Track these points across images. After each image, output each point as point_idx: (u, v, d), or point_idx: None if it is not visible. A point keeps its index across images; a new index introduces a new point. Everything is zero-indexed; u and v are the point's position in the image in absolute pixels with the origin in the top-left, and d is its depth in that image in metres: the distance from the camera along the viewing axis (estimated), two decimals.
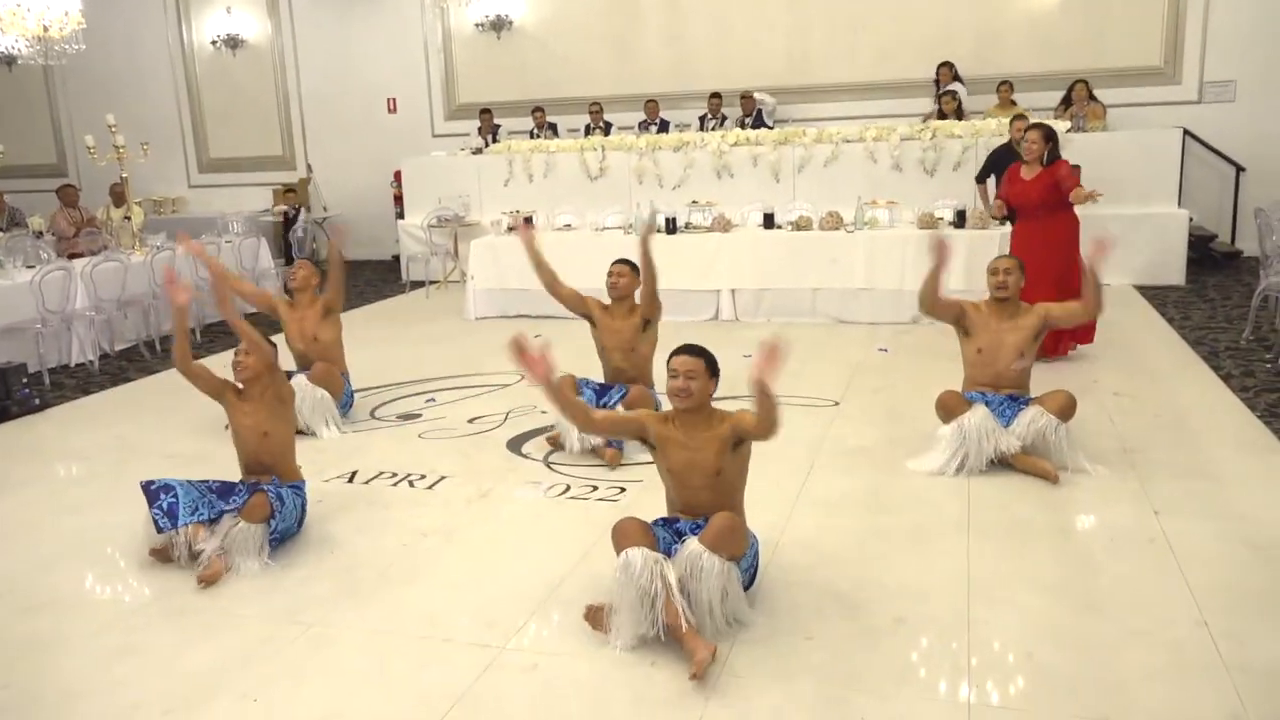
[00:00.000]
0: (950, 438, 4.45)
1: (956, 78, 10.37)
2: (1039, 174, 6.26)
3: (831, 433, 5.18)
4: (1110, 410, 5.30)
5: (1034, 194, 6.23)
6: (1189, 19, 10.19)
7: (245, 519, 3.83)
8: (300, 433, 5.31)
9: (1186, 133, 9.43)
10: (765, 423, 3.13)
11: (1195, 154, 10.01)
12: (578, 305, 5.21)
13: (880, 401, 5.71)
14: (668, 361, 3.28)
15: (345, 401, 5.71)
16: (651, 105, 11.19)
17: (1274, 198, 8.06)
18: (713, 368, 3.33)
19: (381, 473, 4.87)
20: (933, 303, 4.52)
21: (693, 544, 3.16)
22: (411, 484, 4.70)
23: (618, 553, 3.14)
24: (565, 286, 5.15)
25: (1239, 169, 10.05)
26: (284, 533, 3.98)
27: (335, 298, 5.75)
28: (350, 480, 4.79)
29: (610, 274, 5.15)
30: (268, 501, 3.88)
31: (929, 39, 10.88)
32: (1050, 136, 6.29)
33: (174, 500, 3.84)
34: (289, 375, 5.56)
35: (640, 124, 11.19)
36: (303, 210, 11.69)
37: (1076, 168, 6.29)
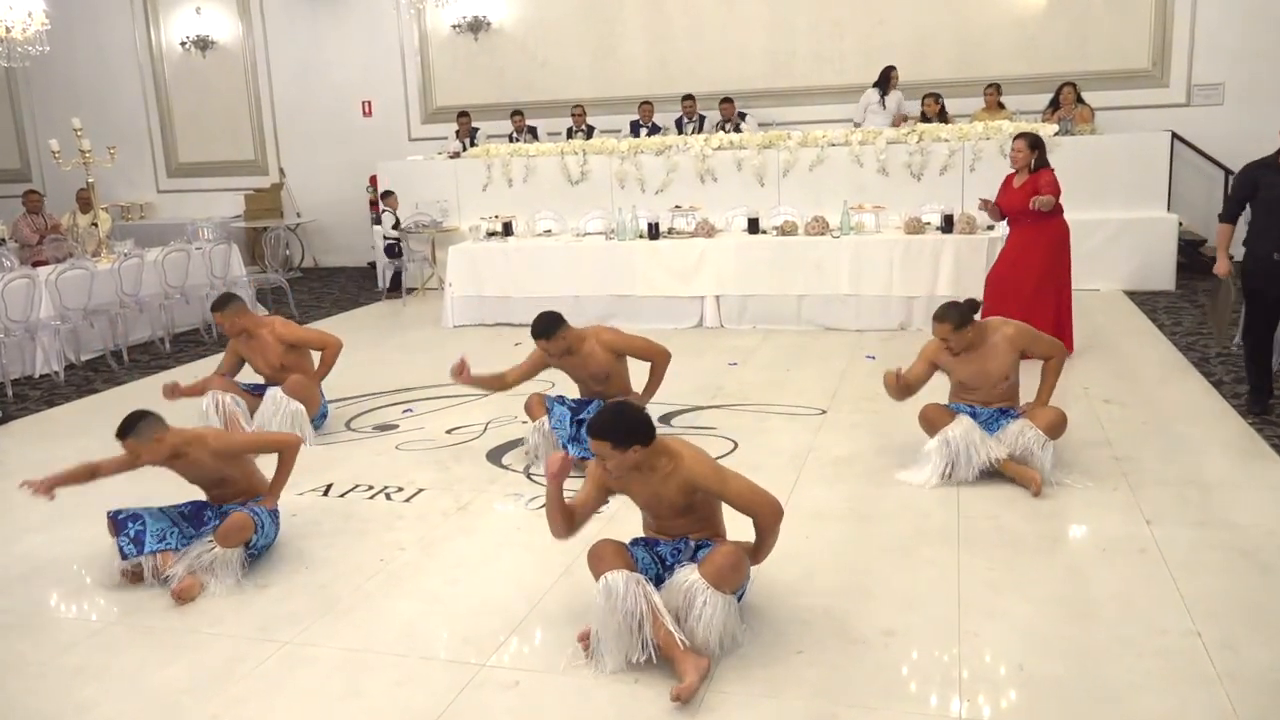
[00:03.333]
0: (936, 451, 4.47)
1: (882, 85, 10.42)
2: (1026, 182, 6.43)
3: (818, 442, 5.20)
4: (1100, 417, 5.35)
5: (1018, 202, 6.39)
6: (1176, 21, 10.30)
7: (222, 544, 3.78)
8: None
9: (1175, 136, 9.53)
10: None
11: (1184, 157, 10.11)
12: (539, 369, 5.06)
13: (867, 409, 5.74)
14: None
15: (320, 413, 5.68)
16: (646, 107, 11.20)
17: None
18: (619, 438, 3.05)
19: (357, 485, 4.84)
20: (908, 395, 4.64)
21: (691, 576, 3.11)
22: (388, 497, 4.68)
23: (596, 578, 3.13)
24: (514, 373, 5.00)
25: (1228, 172, 10.15)
26: (260, 550, 3.95)
27: (318, 344, 5.65)
28: (325, 493, 4.76)
29: (549, 352, 4.93)
30: (249, 521, 3.84)
31: (913, 41, 10.96)
32: (1036, 144, 6.43)
33: (141, 529, 3.80)
34: (262, 389, 5.53)
35: (632, 124, 11.22)
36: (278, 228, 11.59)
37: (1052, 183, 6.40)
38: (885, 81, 10.46)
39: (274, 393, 5.42)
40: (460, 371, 4.80)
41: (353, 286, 11.45)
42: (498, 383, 5.02)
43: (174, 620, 3.59)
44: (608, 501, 3.38)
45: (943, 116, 10.07)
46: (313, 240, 13.28)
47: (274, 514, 4.04)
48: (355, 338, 8.40)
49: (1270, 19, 9.97)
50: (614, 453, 3.09)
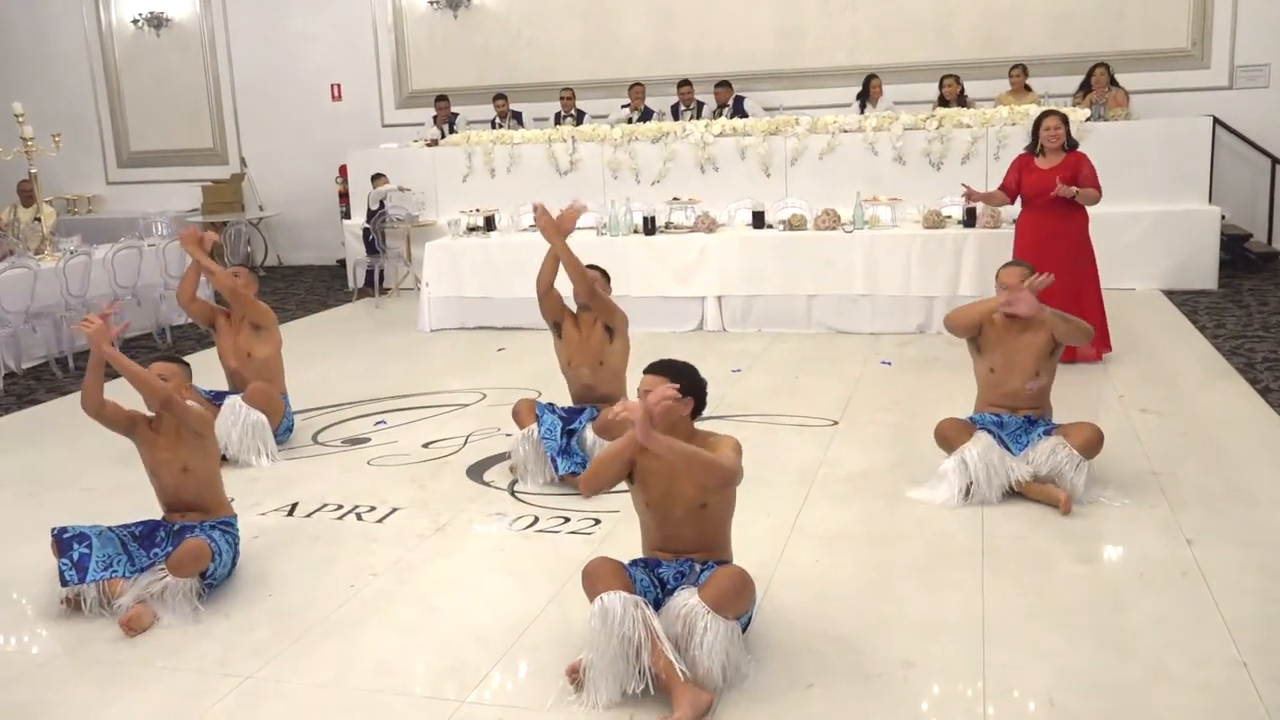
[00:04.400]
0: (953, 472, 4.47)
1: (863, 96, 10.47)
2: (1059, 163, 6.44)
3: (829, 456, 5.20)
4: (1137, 428, 5.35)
5: (1049, 185, 6.37)
6: None
7: (175, 573, 3.76)
8: (231, 461, 5.28)
9: (1217, 121, 9.56)
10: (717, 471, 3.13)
11: (1226, 145, 10.14)
12: (556, 312, 5.16)
13: (883, 421, 5.74)
14: (639, 384, 3.27)
15: (284, 425, 5.67)
16: (637, 90, 11.22)
17: None
18: (688, 385, 3.26)
19: (325, 504, 4.84)
20: (969, 326, 4.66)
21: (690, 600, 3.12)
22: (359, 517, 4.68)
23: (591, 599, 3.12)
24: (556, 289, 5.15)
25: (1275, 161, 10.20)
26: (217, 581, 3.94)
27: (256, 314, 5.68)
28: (290, 513, 4.75)
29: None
30: (206, 550, 3.83)
31: (934, 18, 10.99)
32: (1067, 121, 6.52)
33: (86, 552, 3.78)
34: (221, 396, 5.55)
35: (623, 107, 11.23)
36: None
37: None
38: (866, 92, 10.48)
39: (233, 401, 5.42)
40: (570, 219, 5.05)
41: (321, 287, 11.44)
42: (555, 271, 5.09)
43: (124, 652, 3.57)
44: (630, 476, 3.34)
45: (962, 100, 10.10)
46: (277, 236, 13.27)
47: (232, 540, 4.03)
48: (323, 342, 8.41)
49: None
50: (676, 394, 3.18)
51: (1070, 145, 6.51)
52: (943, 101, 10.13)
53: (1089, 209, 6.51)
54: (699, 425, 3.38)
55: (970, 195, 6.73)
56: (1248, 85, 10.38)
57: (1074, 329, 4.55)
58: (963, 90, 10.18)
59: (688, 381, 3.28)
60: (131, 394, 3.99)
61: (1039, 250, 6.18)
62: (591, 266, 5.17)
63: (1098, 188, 6.41)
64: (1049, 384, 4.69)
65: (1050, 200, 6.38)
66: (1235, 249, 9.70)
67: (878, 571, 3.92)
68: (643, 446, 3.13)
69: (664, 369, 3.28)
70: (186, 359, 4.47)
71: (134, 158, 13.84)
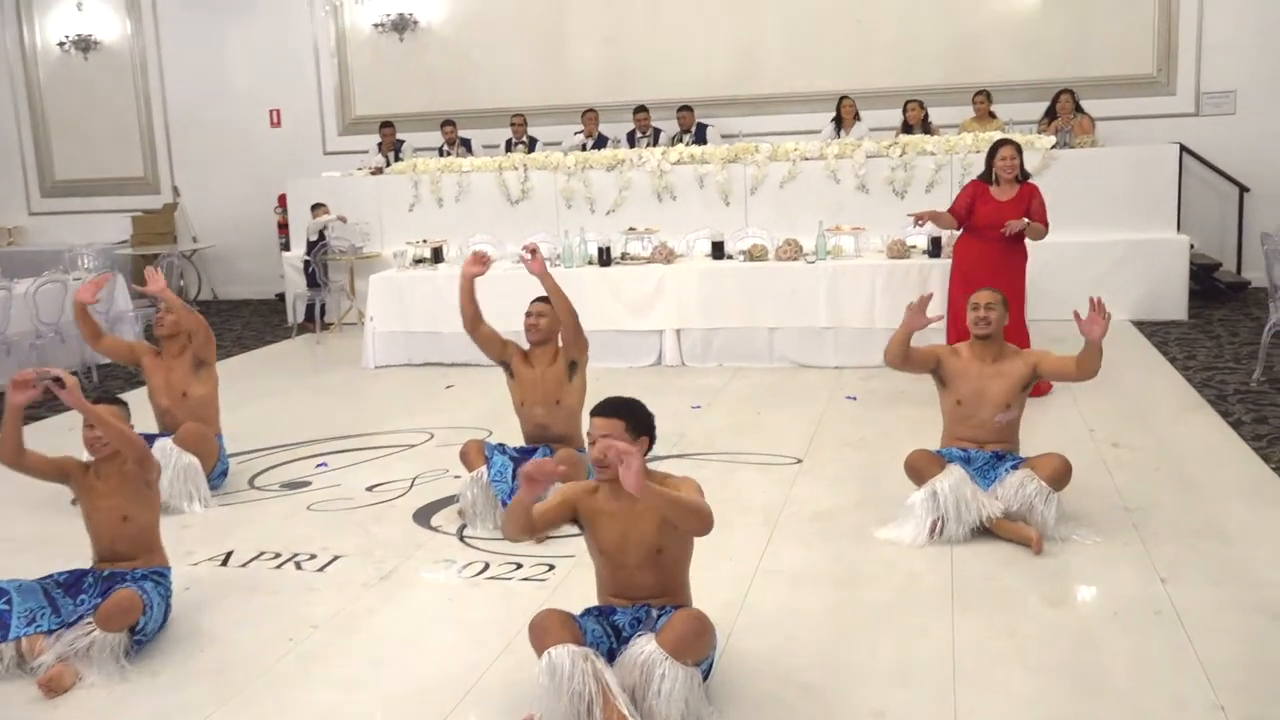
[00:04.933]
0: (922, 506, 4.51)
1: (856, 116, 10.65)
2: (1014, 196, 6.63)
3: (793, 495, 5.22)
4: (1108, 463, 5.44)
5: (1009, 216, 6.56)
6: (1183, 22, 10.64)
7: (103, 627, 3.69)
8: (162, 508, 5.20)
9: (1183, 149, 9.81)
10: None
11: (1194, 172, 10.41)
12: (497, 350, 5.21)
13: (849, 458, 5.78)
14: (590, 427, 3.27)
15: (219, 469, 5.61)
16: (590, 116, 11.30)
17: None
18: (638, 425, 3.27)
19: (262, 553, 4.78)
20: (903, 360, 4.68)
21: (648, 646, 3.11)
22: (299, 565, 4.62)
23: (539, 654, 3.10)
24: (488, 325, 5.19)
25: (1242, 189, 10.47)
26: (147, 636, 3.86)
27: (210, 352, 5.64)
28: (224, 563, 4.69)
29: (529, 313, 5.16)
30: (137, 602, 3.76)
31: (897, 43, 11.20)
32: (1021, 152, 6.75)
33: (6, 608, 3.70)
34: (151, 439, 5.47)
35: (576, 134, 11.30)
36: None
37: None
38: (839, 114, 10.66)
39: (164, 444, 5.34)
40: (482, 261, 5.19)
41: (258, 322, 11.35)
42: (477, 310, 5.19)
43: (44, 715, 3.49)
44: (575, 521, 3.33)
45: (926, 125, 10.27)
46: (211, 269, 13.17)
47: (165, 592, 3.97)
48: (261, 381, 8.33)
49: None
50: (626, 436, 3.18)
51: (1023, 176, 6.70)
52: (906, 127, 10.30)
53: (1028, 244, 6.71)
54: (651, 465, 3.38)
55: (918, 219, 6.85)
56: (1214, 112, 10.67)
57: (1069, 370, 4.66)
58: (926, 115, 10.38)
59: (643, 421, 3.29)
60: (54, 439, 3.93)
61: (978, 278, 6.26)
62: (541, 299, 5.19)
63: (1046, 223, 6.62)
64: (1018, 418, 4.75)
65: (1002, 234, 6.55)
66: (1205, 279, 9.92)
67: (845, 615, 3.93)
68: (587, 489, 3.15)
69: (611, 409, 3.27)
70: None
71: (59, 187, 13.70)
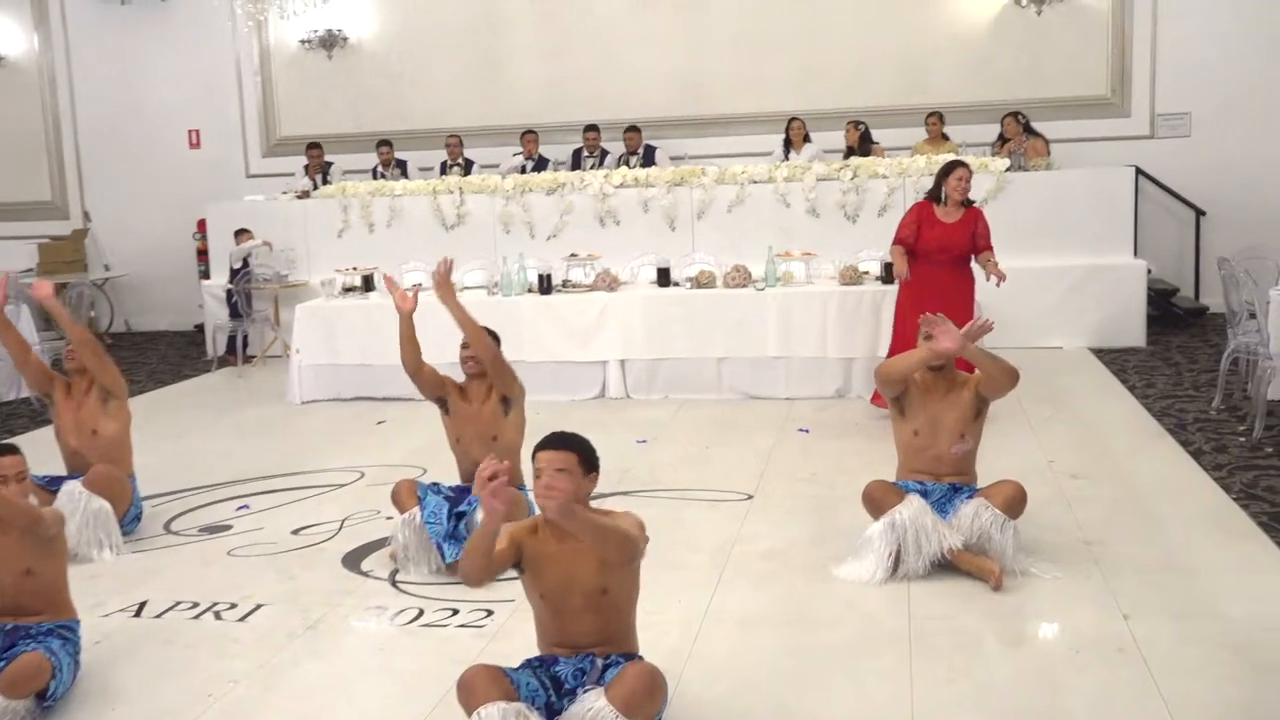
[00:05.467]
0: (881, 537, 4.54)
1: (806, 138, 10.79)
2: (961, 218, 6.77)
3: (744, 533, 5.23)
4: (1067, 495, 5.51)
5: (956, 240, 6.70)
6: (1136, 43, 10.94)
7: (8, 693, 3.57)
8: (70, 556, 5.09)
9: (1139, 171, 10.04)
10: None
11: (1150, 196, 10.66)
12: (436, 388, 5.17)
13: (801, 493, 5.81)
14: (533, 456, 3.25)
15: (132, 513, 5.51)
16: (530, 137, 11.32)
17: (1238, 245, 8.59)
18: (587, 460, 3.27)
19: (179, 603, 4.69)
20: (900, 382, 4.71)
21: (597, 703, 3.08)
22: (218, 616, 4.55)
23: (469, 715, 3.07)
24: (429, 366, 5.17)
25: (1199, 213, 10.74)
26: (56, 700, 3.76)
27: (111, 379, 5.52)
28: (138, 614, 4.60)
29: (465, 345, 5.14)
30: (45, 666, 3.65)
31: (847, 63, 11.38)
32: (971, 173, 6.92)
33: None
34: (58, 482, 5.35)
35: (515, 155, 11.31)
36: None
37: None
38: (788, 136, 10.79)
39: (72, 488, 5.23)
40: (445, 277, 5.03)
41: (175, 355, 11.20)
42: (415, 347, 5.11)
43: None
44: (517, 566, 3.29)
45: (865, 146, 10.38)
46: (125, 299, 12.98)
47: (74, 649, 3.87)
48: (178, 418, 8.20)
49: (1237, 40, 10.68)
50: (577, 467, 3.17)
51: (967, 200, 6.86)
52: (849, 150, 10.41)
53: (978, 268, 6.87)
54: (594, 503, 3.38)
55: (899, 278, 6.97)
56: (1169, 134, 10.96)
57: (1000, 368, 4.52)
58: (865, 135, 10.48)
59: (593, 455, 3.29)
60: None
61: (926, 302, 6.32)
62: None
63: (990, 247, 6.81)
64: (974, 449, 4.81)
65: (951, 258, 6.70)
66: (1162, 304, 10.14)
67: (799, 659, 3.94)
68: (529, 528, 3.13)
69: (559, 441, 3.27)
70: (14, 440, 4.31)
71: None
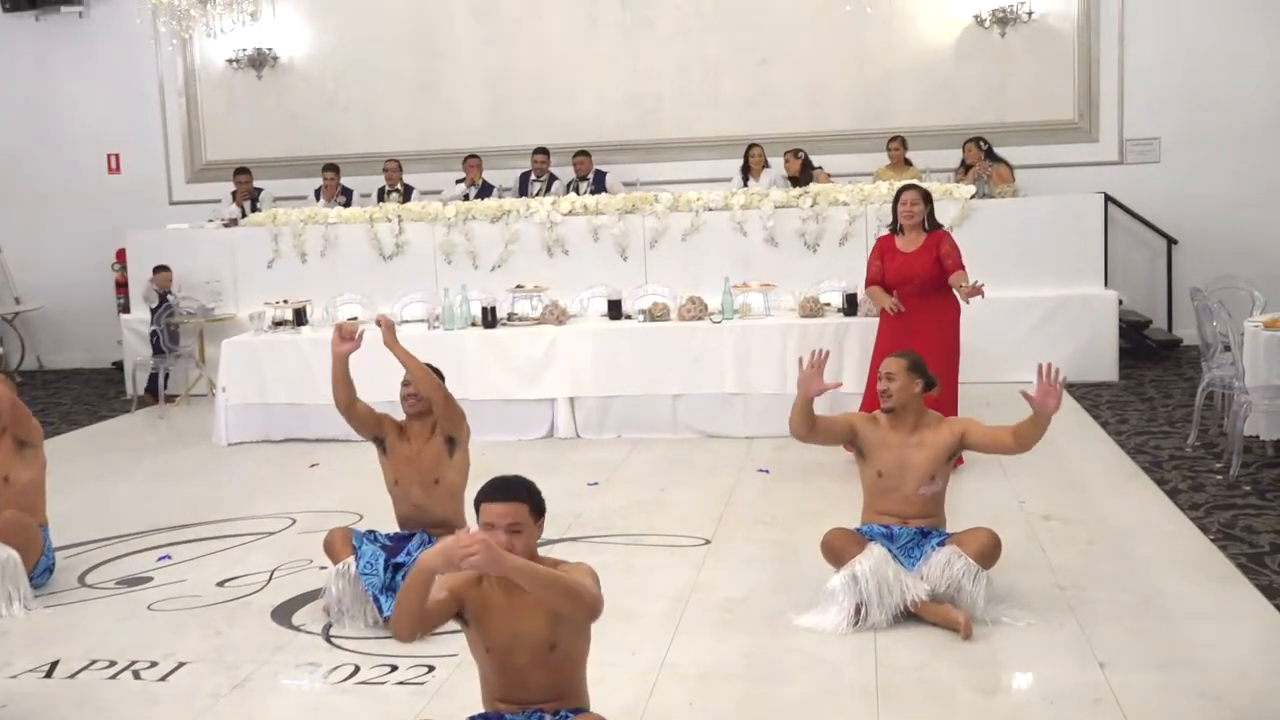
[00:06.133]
0: (841, 590, 4.55)
1: (765, 164, 10.93)
2: (922, 244, 6.80)
3: (701, 580, 5.23)
4: (1040, 537, 5.57)
5: (918, 268, 6.72)
6: (1103, 66, 11.17)
7: None
8: None
9: (1108, 198, 10.23)
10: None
11: (1120, 223, 10.87)
12: (372, 427, 5.14)
13: (762, 537, 5.82)
14: (476, 504, 3.19)
15: (43, 564, 5.42)
16: (473, 162, 11.33)
17: (1211, 274, 8.75)
18: (537, 507, 3.22)
19: (94, 661, 4.61)
20: (808, 430, 4.73)
21: None
22: (137, 675, 4.47)
23: None
24: (362, 403, 5.14)
25: (1170, 241, 10.95)
26: None
27: (25, 428, 5.44)
28: (49, 674, 4.51)
29: (406, 382, 5.11)
30: None
31: (804, 86, 11.52)
32: (929, 198, 6.91)
33: None
34: None
35: (457, 182, 11.31)
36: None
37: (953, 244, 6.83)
38: (746, 163, 10.92)
39: None
40: (349, 337, 5.01)
41: (92, 394, 11.05)
42: (348, 385, 5.10)
43: None
44: (461, 618, 3.25)
45: (807, 174, 10.48)
46: (38, 334, 12.81)
47: None
48: (94, 462, 8.09)
49: (1205, 63, 10.94)
50: (530, 520, 3.14)
51: (931, 225, 6.86)
52: (792, 180, 10.50)
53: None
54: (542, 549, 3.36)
55: (882, 304, 6.97)
56: (1139, 160, 11.18)
57: (1006, 442, 4.69)
58: (806, 163, 10.59)
59: (541, 502, 3.24)
60: None
61: (902, 338, 6.43)
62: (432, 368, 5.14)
63: (961, 266, 6.75)
64: (943, 490, 4.84)
65: (917, 287, 6.72)
66: (1135, 337, 10.31)
67: (761, 714, 3.93)
68: (472, 579, 3.11)
69: (509, 492, 3.20)
70: None
71: None
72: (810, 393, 4.62)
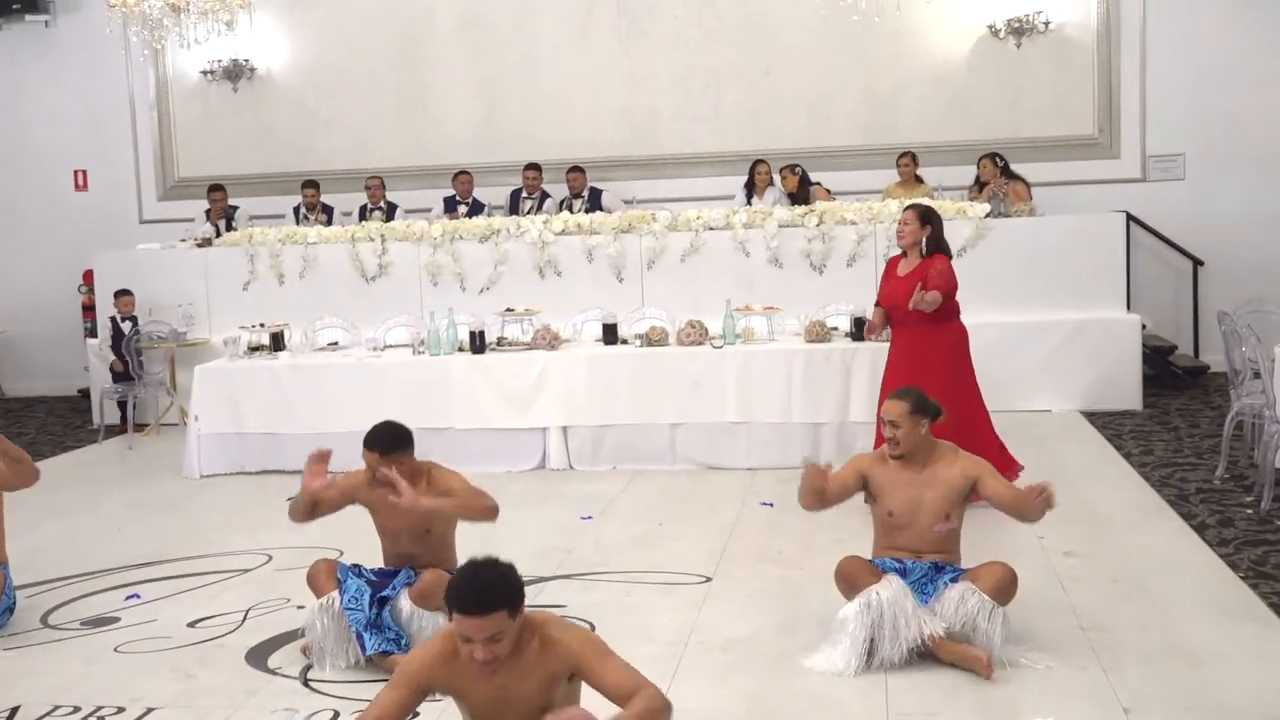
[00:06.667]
0: (855, 620, 4.54)
1: (771, 181, 10.95)
2: (916, 267, 6.73)
3: (702, 620, 5.22)
4: (1060, 575, 5.56)
5: (902, 295, 6.64)
6: (1124, 79, 11.21)
7: None
8: None
9: (1130, 217, 10.26)
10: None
11: (1143, 244, 10.90)
12: (346, 502, 5.04)
13: (766, 574, 5.81)
14: (449, 610, 3.08)
15: (3, 605, 5.41)
16: (464, 179, 11.36)
17: (1240, 297, 8.76)
18: (515, 605, 3.08)
19: (58, 707, 4.59)
20: (822, 503, 4.79)
21: None
22: None
23: None
24: (324, 501, 4.98)
25: (1196, 262, 10.97)
26: None
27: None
28: None
29: (373, 451, 4.86)
30: None
31: (809, 98, 11.57)
32: (929, 218, 6.77)
33: None
34: None
35: (447, 201, 11.34)
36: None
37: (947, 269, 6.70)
38: (752, 180, 10.97)
39: None
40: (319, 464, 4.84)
41: (57, 424, 11.04)
42: (308, 515, 4.98)
43: None
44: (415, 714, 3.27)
45: (805, 191, 10.51)
46: (0, 360, 12.76)
47: None
48: (59, 496, 8.06)
49: (1232, 75, 10.97)
50: (510, 623, 3.05)
51: (932, 247, 6.70)
52: (790, 197, 10.54)
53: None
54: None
55: (872, 332, 6.99)
56: (1162, 177, 11.20)
57: (1009, 504, 4.72)
58: (804, 179, 10.63)
59: (516, 600, 3.10)
60: None
61: (910, 372, 6.42)
62: (388, 427, 4.91)
63: (943, 287, 6.57)
64: (959, 528, 4.84)
65: (913, 314, 6.62)
66: (1159, 363, 10.32)
67: None
68: (447, 662, 3.15)
69: (483, 603, 3.02)
70: None
71: None
72: (815, 486, 4.69)
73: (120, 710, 4.54)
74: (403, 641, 4.75)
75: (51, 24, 12.58)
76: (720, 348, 8.14)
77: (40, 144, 12.65)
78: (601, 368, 8.25)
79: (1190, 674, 4.45)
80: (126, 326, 10.09)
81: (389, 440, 4.80)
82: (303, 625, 4.97)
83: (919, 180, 10.83)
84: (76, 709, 4.57)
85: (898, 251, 7.09)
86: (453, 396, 8.19)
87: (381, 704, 3.20)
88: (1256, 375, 7.02)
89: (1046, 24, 11.09)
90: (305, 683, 4.75)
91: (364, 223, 10.73)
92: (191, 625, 5.44)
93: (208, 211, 11.60)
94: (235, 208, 11.70)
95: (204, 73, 12.36)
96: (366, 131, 12.19)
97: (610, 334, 8.58)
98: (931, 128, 11.39)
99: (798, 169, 10.67)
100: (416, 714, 3.68)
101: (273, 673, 4.87)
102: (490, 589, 3.04)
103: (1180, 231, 10.97)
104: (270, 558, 6.40)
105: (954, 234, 9.21)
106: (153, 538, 6.90)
